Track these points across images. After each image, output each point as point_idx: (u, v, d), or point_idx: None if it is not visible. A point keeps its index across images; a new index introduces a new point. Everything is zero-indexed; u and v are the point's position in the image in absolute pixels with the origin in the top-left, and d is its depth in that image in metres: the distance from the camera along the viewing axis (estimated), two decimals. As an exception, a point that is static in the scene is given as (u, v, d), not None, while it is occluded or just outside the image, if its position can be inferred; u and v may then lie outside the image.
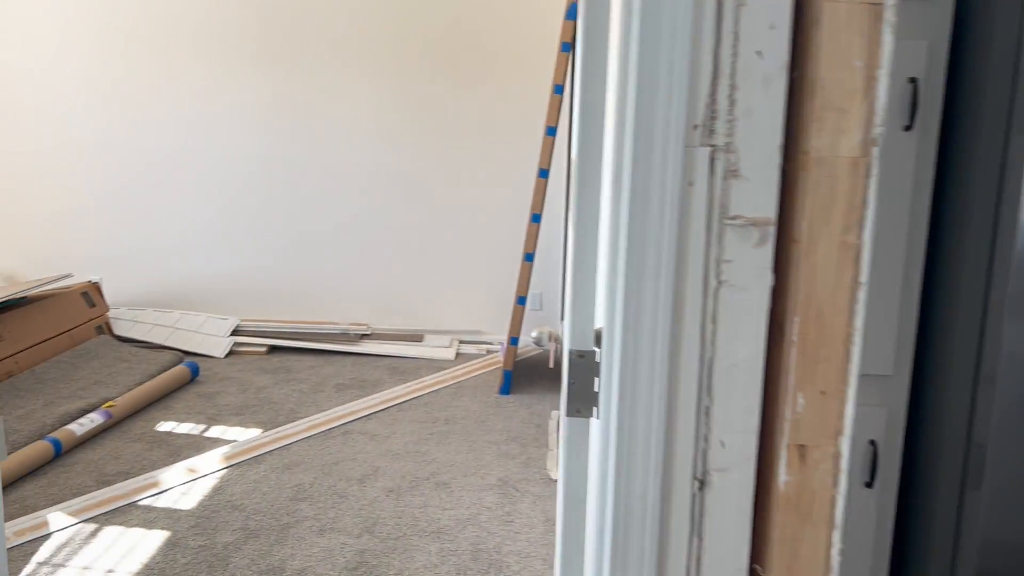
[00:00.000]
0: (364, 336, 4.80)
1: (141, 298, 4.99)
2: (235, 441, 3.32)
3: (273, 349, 4.69)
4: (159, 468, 3.05)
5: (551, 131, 3.78)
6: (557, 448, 3.21)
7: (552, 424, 3.56)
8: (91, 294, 4.52)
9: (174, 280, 4.96)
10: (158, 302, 4.98)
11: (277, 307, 4.96)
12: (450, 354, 4.64)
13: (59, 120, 4.80)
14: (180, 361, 4.24)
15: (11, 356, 3.74)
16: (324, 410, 3.72)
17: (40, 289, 4.24)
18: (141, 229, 4.91)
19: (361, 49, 4.68)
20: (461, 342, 4.89)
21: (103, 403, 3.51)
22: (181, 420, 3.54)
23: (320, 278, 4.91)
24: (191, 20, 4.68)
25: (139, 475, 2.98)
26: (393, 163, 4.78)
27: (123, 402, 3.53)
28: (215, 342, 4.62)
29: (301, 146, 4.80)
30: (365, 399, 3.86)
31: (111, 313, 4.74)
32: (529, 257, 3.89)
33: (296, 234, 4.88)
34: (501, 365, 4.45)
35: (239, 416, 3.61)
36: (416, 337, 4.82)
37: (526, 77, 4.62)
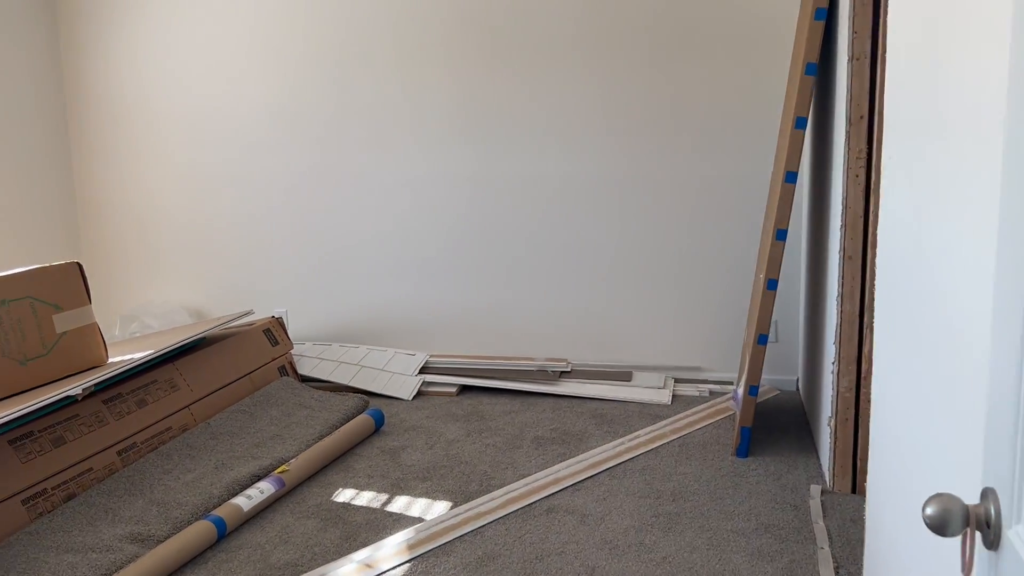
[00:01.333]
0: (564, 374, 4.16)
1: (326, 332, 4.64)
2: (420, 521, 2.77)
3: (464, 388, 4.16)
4: (331, 560, 2.54)
5: (800, 123, 2.95)
6: (829, 546, 2.39)
7: (815, 507, 2.73)
8: (274, 331, 4.20)
9: (360, 313, 4.56)
10: (344, 336, 4.61)
11: (467, 341, 4.43)
12: (665, 397, 3.89)
13: (241, 148, 4.54)
14: (364, 407, 3.80)
15: (186, 407, 3.43)
16: (522, 474, 3.10)
17: (220, 328, 3.94)
18: (325, 258, 4.56)
19: (557, 45, 4.05)
20: (677, 381, 4.13)
21: (278, 465, 3.09)
22: (361, 487, 3.05)
23: (513, 307, 4.33)
24: (369, 31, 4.26)
25: (308, 570, 2.48)
26: (595, 172, 4.11)
27: (299, 464, 3.09)
28: (402, 382, 4.16)
29: (491, 161, 4.24)
30: (570, 462, 3.21)
31: (295, 350, 4.41)
32: (772, 284, 3.07)
33: (487, 259, 4.33)
34: (730, 413, 3.65)
35: (426, 482, 3.07)
36: (623, 375, 4.12)
37: (757, 58, 3.79)
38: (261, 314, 4.70)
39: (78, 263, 3.13)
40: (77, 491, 2.81)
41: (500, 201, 4.26)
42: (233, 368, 3.79)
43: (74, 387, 2.75)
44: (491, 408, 3.86)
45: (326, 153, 4.45)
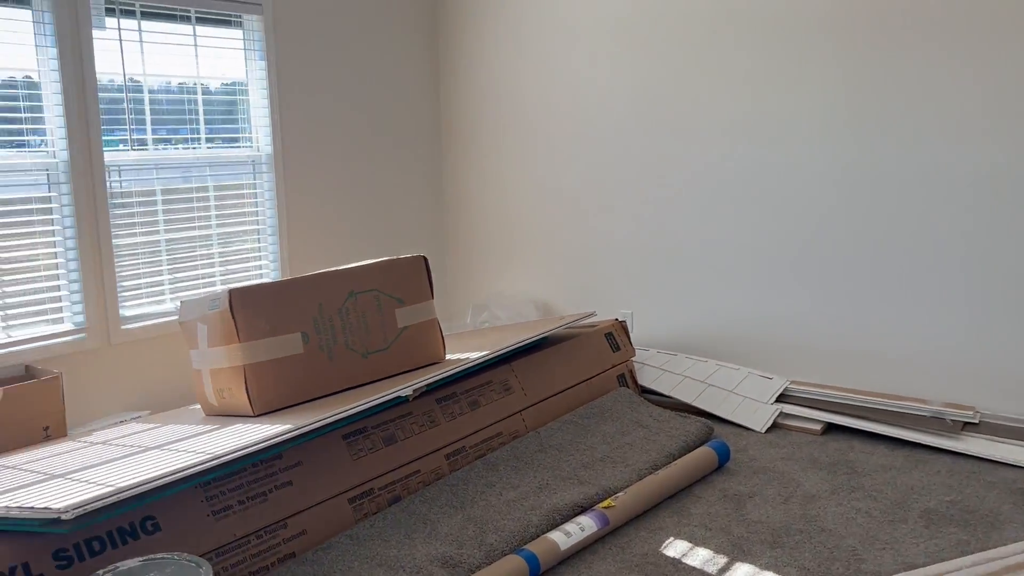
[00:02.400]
0: (968, 425, 3.28)
1: (672, 341, 4.22)
2: (765, 603, 2.24)
3: (830, 427, 3.47)
4: (652, 636, 2.12)
5: None
6: None
7: None
8: (616, 336, 3.88)
9: (710, 322, 4.07)
10: (691, 347, 4.15)
11: (836, 368, 3.72)
12: (1124, 479, 2.85)
13: (596, 141, 4.28)
14: (708, 436, 3.32)
15: (518, 412, 3.23)
16: (907, 562, 2.40)
17: (562, 329, 3.71)
18: (674, 258, 4.13)
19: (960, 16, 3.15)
20: None
21: (604, 496, 2.75)
22: (696, 540, 2.58)
23: (896, 332, 3.52)
24: (744, 11, 3.70)
25: (623, 645, 2.09)
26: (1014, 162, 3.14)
27: (627, 499, 2.71)
28: (754, 410, 3.59)
29: (878, 149, 3.46)
30: (976, 557, 2.42)
31: (637, 358, 4.05)
32: None
33: (865, 270, 3.57)
34: None
35: (775, 549, 2.51)
36: (1057, 439, 3.12)
37: None
38: (604, 315, 4.42)
39: (424, 257, 3.06)
40: (402, 494, 2.72)
41: (882, 200, 3.46)
42: (570, 373, 3.54)
43: (405, 387, 2.65)
44: (865, 458, 3.15)
45: (679, 141, 3.99)
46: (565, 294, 4.55)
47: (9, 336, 3.15)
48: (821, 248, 3.68)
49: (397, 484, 2.72)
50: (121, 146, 3.46)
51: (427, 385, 2.76)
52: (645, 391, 3.91)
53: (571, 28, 4.26)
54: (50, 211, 3.26)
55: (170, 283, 3.68)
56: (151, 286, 3.61)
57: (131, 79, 3.48)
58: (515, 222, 4.64)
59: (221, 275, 3.88)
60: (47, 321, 3.28)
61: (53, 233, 3.27)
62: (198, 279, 3.78)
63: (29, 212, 3.20)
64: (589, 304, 4.46)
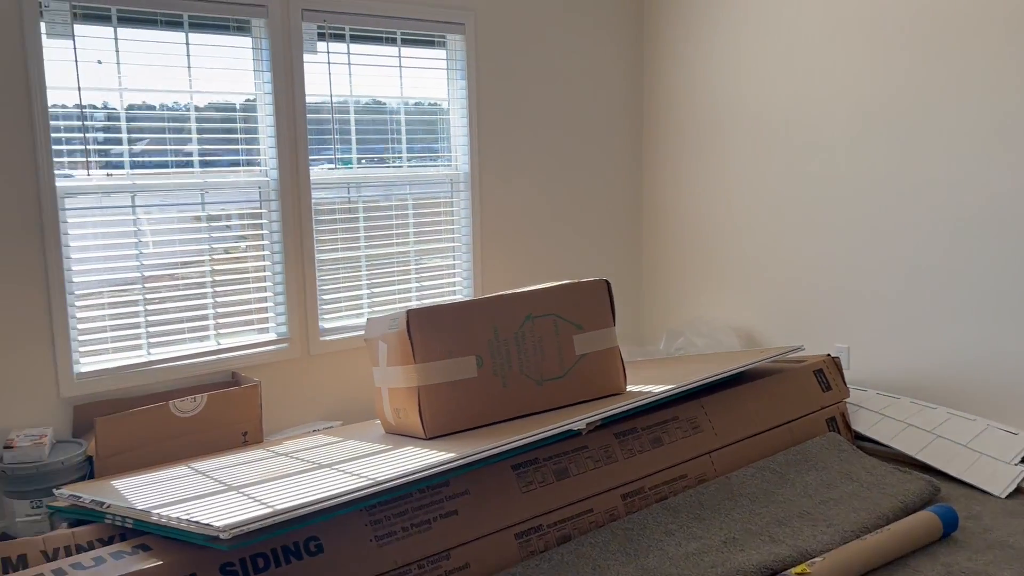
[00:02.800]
0: None
1: (895, 382, 3.73)
2: None
3: (1093, 500, 2.89)
4: None
5: None
6: None
7: None
8: (827, 373, 3.48)
9: (942, 362, 3.55)
10: (917, 390, 3.65)
11: (1107, 429, 3.09)
12: None
13: (811, 156, 3.90)
14: (932, 497, 2.87)
15: (707, 454, 2.97)
16: None
17: (763, 363, 3.39)
18: (901, 286, 3.65)
19: None
20: None
21: (799, 560, 2.43)
22: (908, 625, 2.21)
23: None
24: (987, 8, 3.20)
25: None
26: None
27: (826, 567, 2.38)
28: (993, 470, 3.07)
29: None
30: None
31: (852, 399, 3.62)
32: None
33: None
34: None
35: (1011, 649, 2.08)
36: None
37: None
38: (814, 349, 4.01)
39: (606, 281, 2.89)
40: (573, 533, 2.57)
41: None
42: (770, 413, 3.21)
43: (578, 420, 2.49)
44: None
45: (906, 156, 3.52)
46: (771, 323, 4.19)
47: (219, 344, 3.37)
48: (1088, 284, 3.09)
49: (568, 522, 2.57)
50: (326, 164, 3.61)
51: (603, 419, 2.59)
52: (859, 438, 3.48)
53: (787, 38, 3.92)
54: (260, 226, 3.45)
55: (368, 297, 3.78)
56: (350, 300, 3.73)
57: (337, 100, 3.62)
58: (717, 243, 4.35)
59: (417, 291, 3.94)
60: (254, 331, 3.47)
61: (262, 247, 3.46)
62: (394, 294, 3.86)
63: (242, 227, 3.41)
64: (798, 336, 4.06)
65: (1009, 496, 2.95)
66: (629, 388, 2.97)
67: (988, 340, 3.39)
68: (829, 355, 3.57)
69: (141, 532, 2.14)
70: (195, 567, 1.97)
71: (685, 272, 4.53)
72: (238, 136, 3.38)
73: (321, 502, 1.90)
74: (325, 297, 3.64)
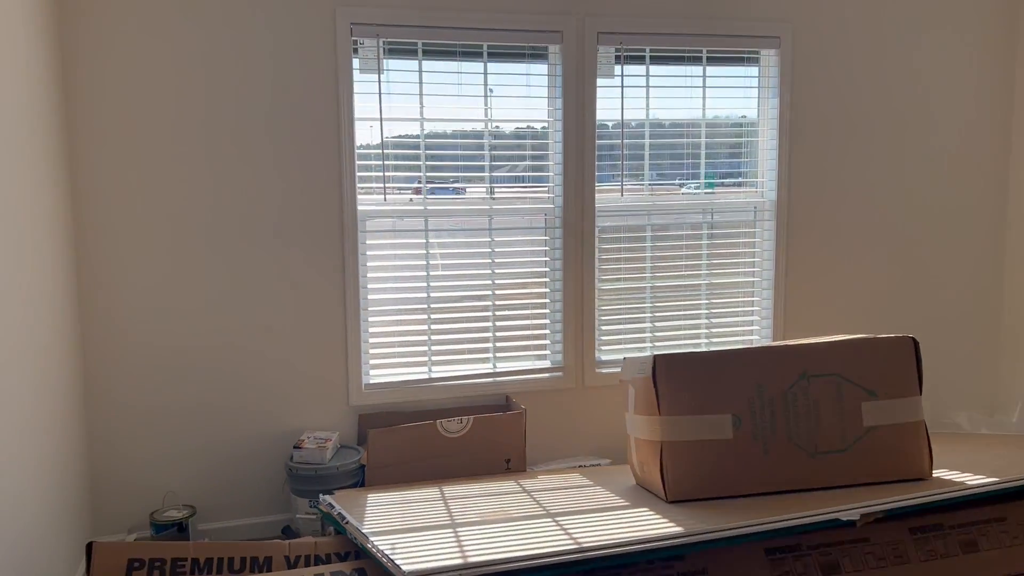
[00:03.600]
0: None
1: None
2: None
3: None
4: None
5: None
6: None
7: None
8: None
9: None
10: None
11: None
12: None
13: None
14: None
15: (1045, 573, 2.28)
16: None
17: None
18: None
19: None
20: None
21: None
22: None
23: None
24: None
25: None
26: None
27: None
28: None
29: None
30: None
31: None
32: None
33: None
34: None
35: None
36: None
37: None
38: None
39: (912, 339, 2.37)
40: (837, 643, 2.12)
41: None
42: None
43: (852, 508, 2.05)
44: None
45: None
46: None
47: (496, 367, 3.40)
48: None
49: (833, 629, 2.13)
50: (610, 186, 3.48)
51: (886, 511, 2.11)
52: None
53: None
54: (543, 252, 3.42)
55: (651, 331, 3.57)
56: (632, 332, 3.55)
57: (634, 122, 3.47)
58: (1104, 296, 3.42)
59: (707, 328, 3.64)
60: (531, 357, 3.45)
61: (544, 274, 3.43)
62: (680, 330, 3.60)
63: (522, 255, 3.40)
64: None
65: None
66: (937, 474, 2.40)
67: None
68: None
69: (365, 554, 2.18)
70: (397, 603, 1.94)
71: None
72: (525, 162, 3.39)
73: (513, 561, 1.76)
74: (605, 328, 3.51)
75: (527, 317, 3.43)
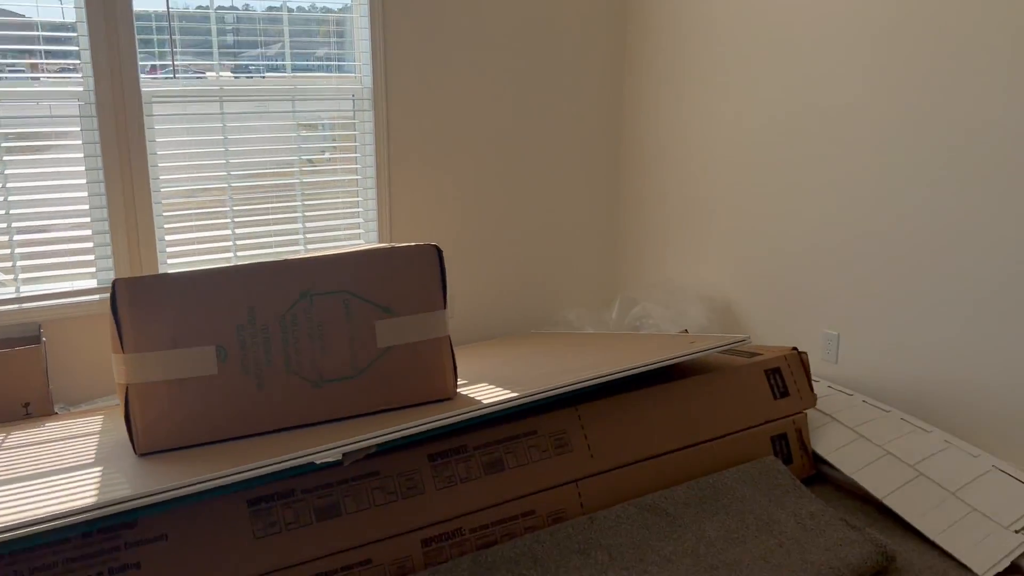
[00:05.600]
0: None
1: (890, 386, 2.84)
2: None
3: (1120, 600, 2.00)
4: None
5: None
6: None
7: None
8: (784, 374, 2.64)
9: (951, 368, 2.63)
10: (914, 402, 2.75)
11: None
12: None
13: (812, 93, 2.94)
14: (880, 570, 2.05)
15: (575, 481, 2.20)
16: None
17: (687, 358, 2.56)
18: (912, 262, 2.72)
19: None
20: None
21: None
22: None
23: None
24: None
25: None
26: None
27: None
28: (984, 535, 2.19)
29: None
30: None
31: (830, 406, 2.76)
32: None
33: None
34: None
35: None
36: None
37: None
38: (801, 331, 3.13)
39: (435, 247, 2.12)
40: (331, 594, 1.89)
41: None
42: (683, 427, 2.41)
43: (331, 448, 1.78)
44: None
45: (929, 101, 2.54)
46: (753, 295, 3.31)
47: (20, 291, 2.79)
48: None
49: (325, 579, 1.89)
50: (162, 73, 2.91)
51: (377, 446, 1.87)
52: (819, 462, 2.63)
53: (785, -87, 2.91)
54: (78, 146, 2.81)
55: (234, 240, 3.12)
56: (210, 241, 3.08)
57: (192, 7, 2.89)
58: (700, 193, 3.46)
59: (304, 232, 3.25)
60: (73, 276, 2.88)
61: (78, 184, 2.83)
62: (273, 236, 3.19)
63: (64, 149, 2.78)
64: (783, 314, 3.18)
65: (996, 579, 2.08)
66: (467, 391, 2.22)
67: (997, 344, 2.44)
68: (795, 349, 2.70)
69: None
70: None
71: (661, 228, 3.67)
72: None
73: None
74: (170, 238, 3.00)
75: (55, 229, 2.83)
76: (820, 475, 2.62)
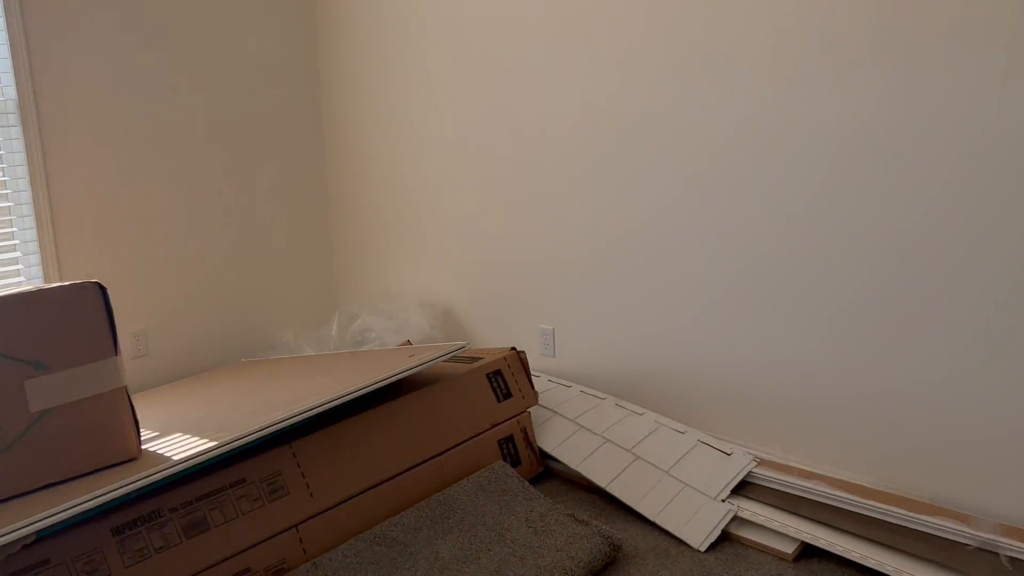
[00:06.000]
0: (1038, 573, 1.95)
1: (605, 375, 2.93)
2: None
3: (810, 551, 2.19)
4: None
5: None
6: None
7: None
8: (506, 376, 2.62)
9: (655, 352, 2.77)
10: (629, 387, 2.86)
11: (834, 445, 2.40)
12: None
13: (516, 83, 2.95)
14: (607, 561, 2.07)
15: (295, 526, 2.00)
16: None
17: (403, 375, 2.45)
18: (614, 255, 2.82)
19: None
20: None
21: None
22: None
23: (932, 391, 2.19)
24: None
25: None
26: None
27: None
28: (696, 510, 2.31)
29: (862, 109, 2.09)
30: None
31: (552, 400, 2.78)
32: None
33: (887, 295, 2.22)
34: None
35: None
36: None
37: None
38: (521, 328, 3.15)
39: (98, 284, 1.80)
40: None
41: (896, 200, 2.10)
42: (410, 447, 2.29)
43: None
44: (855, 632, 1.87)
45: (633, 88, 2.65)
46: (472, 295, 3.28)
47: None
48: (827, 266, 2.33)
49: None
50: None
51: (35, 533, 1.54)
52: (546, 458, 2.66)
53: (464, -87, 2.89)
54: None
55: None
56: None
57: None
58: (408, 196, 3.36)
59: (-59, 276, 2.70)
60: None
61: None
62: None
63: None
64: (503, 314, 3.18)
65: (709, 549, 2.20)
66: (155, 446, 1.93)
67: (702, 327, 2.61)
68: (513, 349, 2.70)
69: None
70: None
71: (378, 234, 3.53)
72: None
73: None
74: None
75: None
76: (548, 471, 2.64)
